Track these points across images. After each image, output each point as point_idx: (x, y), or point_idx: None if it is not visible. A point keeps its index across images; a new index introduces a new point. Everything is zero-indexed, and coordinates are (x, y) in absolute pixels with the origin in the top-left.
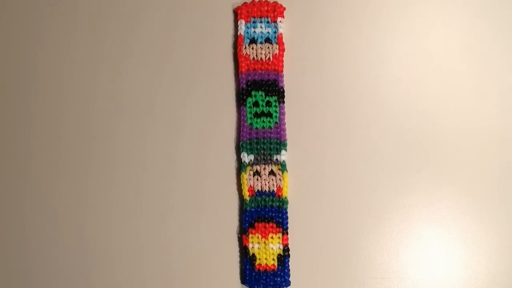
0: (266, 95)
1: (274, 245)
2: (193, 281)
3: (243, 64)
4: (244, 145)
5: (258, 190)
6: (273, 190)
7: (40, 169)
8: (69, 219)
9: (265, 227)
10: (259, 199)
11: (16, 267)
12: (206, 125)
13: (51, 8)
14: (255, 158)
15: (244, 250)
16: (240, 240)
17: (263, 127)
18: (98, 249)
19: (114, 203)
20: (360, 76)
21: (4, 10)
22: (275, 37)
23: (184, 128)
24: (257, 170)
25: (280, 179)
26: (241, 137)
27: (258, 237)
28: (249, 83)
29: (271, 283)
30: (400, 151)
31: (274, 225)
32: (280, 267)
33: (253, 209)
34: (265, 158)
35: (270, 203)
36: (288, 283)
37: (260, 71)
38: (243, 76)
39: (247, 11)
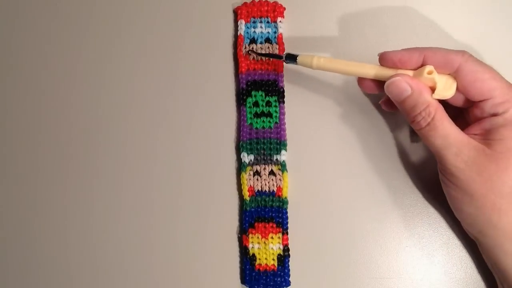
0: (266, 95)
1: (274, 245)
2: (193, 281)
3: (243, 64)
4: (244, 145)
5: (258, 190)
6: (273, 190)
7: (41, 169)
8: (68, 217)
9: (265, 227)
10: (259, 199)
11: (21, 267)
12: (206, 125)
13: (51, 8)
14: (255, 158)
15: (244, 250)
16: (240, 240)
17: (263, 127)
18: (96, 249)
19: (113, 203)
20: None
21: (5, 9)
22: (275, 37)
23: (184, 128)
24: (257, 170)
25: (280, 179)
26: (241, 137)
27: (258, 237)
28: (249, 83)
29: (271, 283)
30: (400, 151)
31: (274, 225)
32: (280, 267)
33: (253, 209)
34: (265, 158)
35: (270, 203)
36: (288, 283)
37: (260, 71)
38: (243, 76)
39: (247, 11)
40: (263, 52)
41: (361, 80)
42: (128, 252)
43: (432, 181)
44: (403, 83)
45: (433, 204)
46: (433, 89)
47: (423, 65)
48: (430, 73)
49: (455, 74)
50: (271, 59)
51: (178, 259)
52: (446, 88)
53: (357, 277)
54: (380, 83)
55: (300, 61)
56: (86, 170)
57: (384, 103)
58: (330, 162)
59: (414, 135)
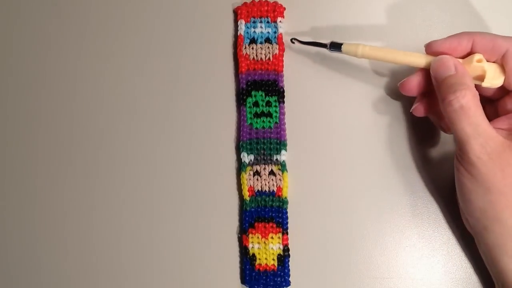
0: (266, 95)
1: (274, 245)
2: (193, 281)
3: (243, 64)
4: (244, 145)
5: (258, 190)
6: (273, 190)
7: (42, 169)
8: (68, 216)
9: (265, 227)
10: (259, 199)
11: (22, 267)
12: (206, 125)
13: (51, 8)
14: (255, 158)
15: (244, 250)
16: (240, 240)
17: (263, 127)
18: (96, 249)
19: (113, 203)
20: (359, 75)
21: (4, 9)
22: (275, 37)
23: (184, 128)
24: (257, 170)
25: (280, 179)
26: (241, 137)
27: (258, 237)
28: (249, 83)
29: (271, 283)
30: (400, 151)
31: (274, 225)
32: (280, 267)
33: (253, 209)
34: (265, 158)
35: (270, 203)
36: (288, 283)
37: (260, 71)
38: (243, 76)
39: (247, 11)
40: (263, 51)
41: (407, 81)
42: (128, 251)
43: (432, 181)
44: (451, 62)
45: (433, 204)
46: (482, 78)
47: (471, 51)
48: (479, 61)
49: (500, 61)
50: (272, 59)
51: (178, 259)
52: (495, 77)
53: (357, 277)
54: (425, 81)
55: (345, 50)
56: (87, 169)
57: (417, 108)
58: (330, 162)
59: (415, 135)
